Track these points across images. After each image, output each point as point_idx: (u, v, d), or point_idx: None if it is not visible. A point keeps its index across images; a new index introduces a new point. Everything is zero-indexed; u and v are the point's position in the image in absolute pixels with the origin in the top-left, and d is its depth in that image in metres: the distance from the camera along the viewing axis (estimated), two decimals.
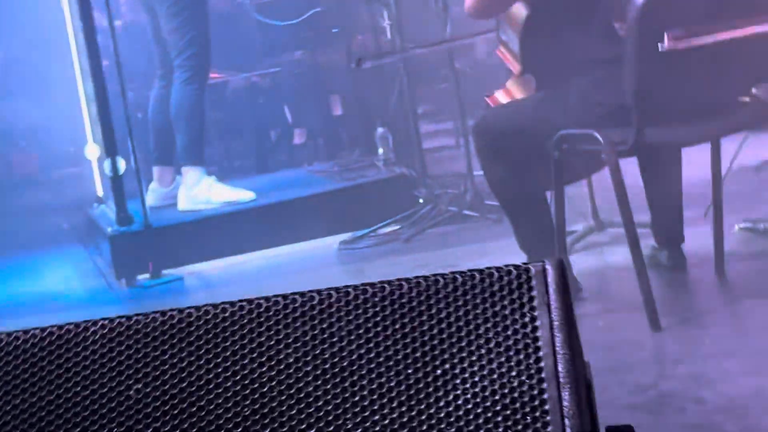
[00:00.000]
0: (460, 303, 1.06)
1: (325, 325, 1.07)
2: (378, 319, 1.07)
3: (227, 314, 1.10)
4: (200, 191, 5.97)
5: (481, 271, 1.09)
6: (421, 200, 5.94)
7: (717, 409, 3.11)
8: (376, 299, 1.07)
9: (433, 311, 1.06)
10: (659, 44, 3.58)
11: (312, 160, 7.79)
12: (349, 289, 1.09)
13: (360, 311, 1.07)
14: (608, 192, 4.66)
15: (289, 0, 7.55)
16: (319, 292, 1.09)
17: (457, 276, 1.08)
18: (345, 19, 7.27)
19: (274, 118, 8.38)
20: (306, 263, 5.69)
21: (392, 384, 1.04)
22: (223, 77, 7.82)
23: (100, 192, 6.76)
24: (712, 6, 3.79)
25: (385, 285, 1.07)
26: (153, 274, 5.59)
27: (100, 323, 1.10)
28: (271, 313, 1.08)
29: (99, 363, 1.09)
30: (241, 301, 1.09)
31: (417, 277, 1.09)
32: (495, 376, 1.04)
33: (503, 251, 5.07)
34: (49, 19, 8.47)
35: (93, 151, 6.61)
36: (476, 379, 1.04)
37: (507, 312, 1.06)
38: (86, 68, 5.92)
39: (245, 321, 1.09)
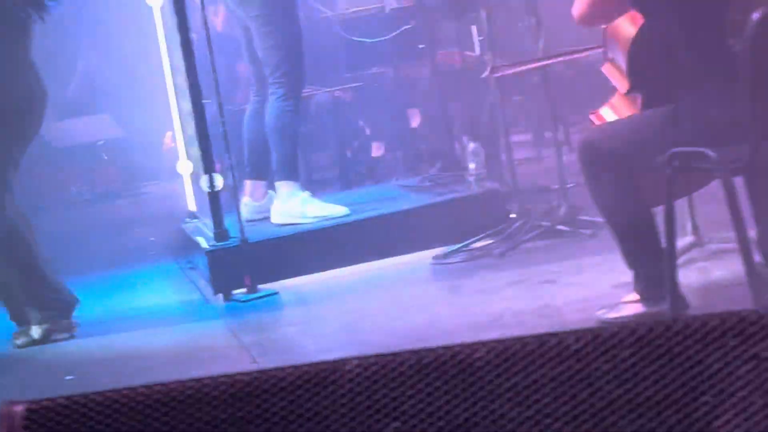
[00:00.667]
0: (716, 345, 1.07)
1: (580, 366, 1.09)
2: (634, 360, 1.08)
3: (481, 354, 1.11)
4: (294, 206, 6.01)
5: (736, 313, 1.10)
6: (513, 215, 5.94)
7: None
8: (631, 340, 1.08)
9: (690, 352, 1.07)
10: None
11: (392, 174, 7.82)
12: (602, 331, 1.10)
13: (616, 351, 1.08)
14: (708, 206, 4.65)
15: (375, 15, 7.59)
16: (574, 332, 1.10)
17: (713, 317, 1.09)
18: (431, 34, 7.28)
19: (355, 131, 8.43)
20: (399, 278, 5.71)
21: (652, 425, 1.06)
22: (307, 92, 7.87)
23: (192, 207, 6.82)
24: None
25: (638, 327, 1.08)
26: (249, 288, 5.64)
27: (355, 362, 1.12)
28: (528, 353, 1.10)
29: (355, 402, 1.11)
30: (502, 339, 1.11)
31: (671, 319, 1.10)
32: (756, 418, 1.05)
33: (599, 267, 5.07)
34: (132, 32, 8.57)
35: (185, 166, 6.68)
36: (735, 421, 1.05)
37: (765, 354, 1.07)
38: (180, 84, 5.99)
39: (501, 361, 1.10)
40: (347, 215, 6.02)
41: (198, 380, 1.17)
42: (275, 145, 6.02)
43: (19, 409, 1.14)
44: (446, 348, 1.14)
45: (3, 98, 5.05)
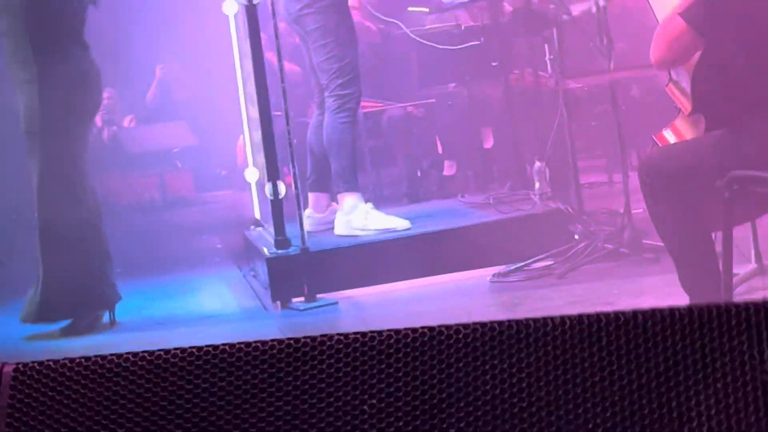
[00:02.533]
0: (696, 336, 1.06)
1: (559, 352, 1.08)
2: (613, 348, 1.07)
3: (463, 336, 1.11)
4: (356, 217, 6.03)
5: (718, 306, 1.09)
6: (576, 236, 5.90)
7: None
8: (611, 328, 1.08)
9: (669, 343, 1.06)
10: None
11: (462, 192, 7.81)
12: (583, 317, 1.10)
13: (594, 339, 1.08)
14: None
15: (449, 31, 7.61)
16: (552, 319, 1.10)
17: (694, 310, 1.08)
18: (504, 52, 7.28)
19: (427, 148, 8.44)
20: (458, 294, 5.70)
21: (627, 413, 1.05)
22: (380, 106, 7.91)
23: (257, 214, 6.87)
24: None
25: (620, 315, 1.08)
26: (308, 297, 5.66)
27: (336, 338, 1.13)
28: (510, 337, 1.10)
29: (335, 377, 1.11)
30: (485, 322, 1.11)
31: (653, 309, 1.09)
32: (731, 411, 1.04)
33: (660, 290, 5.01)
34: (209, 40, 8.67)
35: (253, 174, 6.73)
36: (712, 412, 1.04)
37: (744, 348, 1.06)
38: (251, 92, 6.04)
39: (482, 343, 1.10)
40: (408, 229, 6.03)
41: (182, 350, 1.18)
42: (333, 158, 6.05)
43: (8, 370, 1.16)
44: (427, 329, 1.14)
45: (59, 77, 5.28)
